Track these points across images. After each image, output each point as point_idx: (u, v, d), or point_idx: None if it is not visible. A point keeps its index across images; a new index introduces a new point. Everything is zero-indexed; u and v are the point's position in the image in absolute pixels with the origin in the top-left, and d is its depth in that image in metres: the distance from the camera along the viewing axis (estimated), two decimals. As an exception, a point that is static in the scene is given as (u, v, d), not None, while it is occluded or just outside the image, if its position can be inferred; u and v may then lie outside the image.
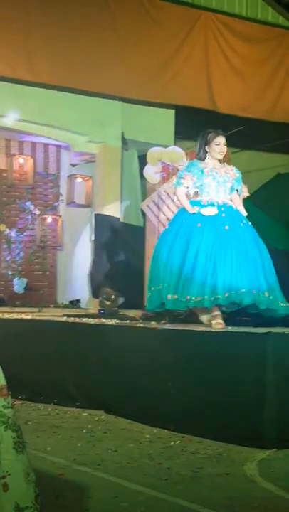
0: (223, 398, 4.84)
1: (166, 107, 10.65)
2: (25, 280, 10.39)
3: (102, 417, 5.65)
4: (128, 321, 6.85)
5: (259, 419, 4.62)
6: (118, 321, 6.79)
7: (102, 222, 10.33)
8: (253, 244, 5.61)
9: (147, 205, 10.19)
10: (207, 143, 5.75)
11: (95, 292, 10.06)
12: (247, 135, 10.65)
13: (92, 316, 7.89)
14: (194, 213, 5.65)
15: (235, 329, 5.37)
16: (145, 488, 3.61)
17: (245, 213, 5.78)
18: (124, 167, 10.60)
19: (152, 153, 9.56)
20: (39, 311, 9.05)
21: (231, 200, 5.79)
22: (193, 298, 5.43)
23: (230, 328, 5.40)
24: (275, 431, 4.62)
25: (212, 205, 5.68)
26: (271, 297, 5.47)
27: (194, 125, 10.57)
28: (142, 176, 10.36)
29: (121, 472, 3.95)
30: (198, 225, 5.62)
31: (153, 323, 6.44)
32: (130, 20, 10.06)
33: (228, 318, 5.72)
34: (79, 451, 4.45)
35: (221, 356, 4.96)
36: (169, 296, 5.54)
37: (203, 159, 5.77)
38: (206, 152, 5.76)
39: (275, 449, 4.48)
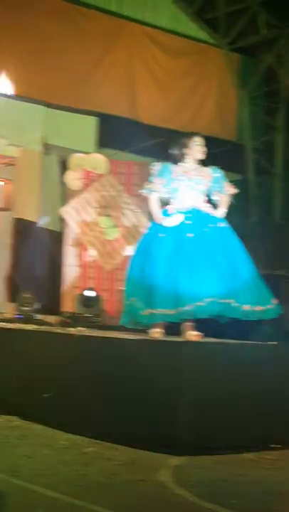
0: (137, 405, 4.90)
1: (89, 114, 10.70)
2: None
3: (17, 423, 5.61)
4: (45, 327, 6.83)
5: (173, 427, 4.69)
6: (35, 326, 6.77)
7: (21, 227, 10.28)
8: (220, 248, 5.44)
9: (67, 211, 10.21)
10: (185, 145, 5.59)
11: (12, 296, 9.99)
12: (167, 146, 10.81)
13: (9, 320, 7.84)
14: (160, 224, 5.48)
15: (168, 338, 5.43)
16: (61, 495, 3.61)
17: (220, 215, 5.65)
18: (45, 172, 10.57)
19: (74, 159, 9.61)
20: None
21: (212, 203, 5.65)
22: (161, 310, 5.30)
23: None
24: (189, 438, 4.70)
25: (180, 212, 5.51)
26: (236, 304, 5.30)
27: (117, 133, 10.70)
28: (62, 182, 10.37)
29: (37, 479, 3.93)
30: (161, 235, 5.46)
31: (70, 329, 6.46)
32: (55, 26, 10.09)
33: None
34: (-6, 458, 4.42)
35: (136, 363, 5.02)
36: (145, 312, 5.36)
37: (179, 162, 5.59)
38: (185, 155, 5.59)
39: (188, 456, 4.57)
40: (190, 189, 5.57)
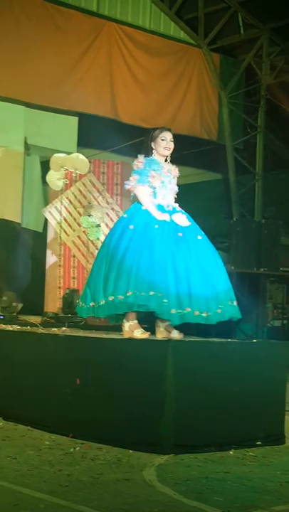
0: (121, 404, 4.92)
1: (70, 113, 10.71)
2: None
3: (0, 424, 5.61)
4: (28, 327, 6.82)
5: (156, 425, 4.71)
6: (18, 327, 6.76)
7: (3, 227, 10.25)
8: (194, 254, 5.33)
9: (49, 211, 10.19)
10: (152, 139, 5.48)
11: (-7, 297, 9.95)
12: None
13: (-9, 321, 7.81)
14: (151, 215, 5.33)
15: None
16: (46, 495, 3.62)
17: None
18: (26, 172, 10.57)
19: (56, 159, 9.59)
20: None
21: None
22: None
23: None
24: (172, 436, 4.73)
25: (161, 208, 5.43)
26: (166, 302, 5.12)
27: (97, 133, 10.71)
28: (44, 182, 10.36)
29: (21, 479, 3.94)
30: (156, 226, 5.32)
31: (54, 329, 6.46)
32: (34, 25, 10.05)
33: None
34: (-22, 459, 4.41)
35: (120, 363, 5.03)
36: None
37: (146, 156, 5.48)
38: (152, 149, 5.49)
39: (173, 454, 4.59)
40: (165, 186, 5.50)
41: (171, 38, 11.81)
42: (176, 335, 5.31)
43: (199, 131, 12.00)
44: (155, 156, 5.50)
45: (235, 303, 5.41)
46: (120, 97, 10.89)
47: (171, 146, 5.53)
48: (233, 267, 10.37)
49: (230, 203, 12.44)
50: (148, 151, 5.51)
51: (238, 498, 3.72)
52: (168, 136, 5.51)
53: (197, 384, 4.81)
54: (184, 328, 5.36)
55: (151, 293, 5.07)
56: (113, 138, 10.43)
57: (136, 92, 11.15)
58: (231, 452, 4.76)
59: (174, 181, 5.60)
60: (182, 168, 12.22)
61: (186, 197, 11.65)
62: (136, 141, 10.04)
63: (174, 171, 5.60)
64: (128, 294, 5.10)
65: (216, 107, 12.24)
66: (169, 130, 5.58)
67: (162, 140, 5.48)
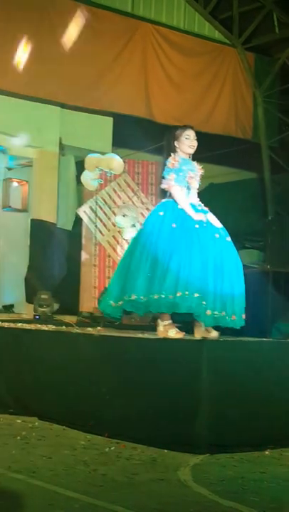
0: (156, 404, 4.91)
1: (105, 114, 10.73)
2: None
3: (36, 423, 5.63)
4: (64, 327, 6.85)
5: (192, 425, 4.70)
6: (53, 327, 6.79)
7: (38, 227, 10.33)
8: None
9: (84, 211, 10.23)
10: (176, 138, 5.45)
11: (30, 297, 10.03)
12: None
13: (27, 321, 7.86)
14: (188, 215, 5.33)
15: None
16: (81, 495, 3.61)
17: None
18: (61, 172, 10.61)
19: (90, 159, 9.62)
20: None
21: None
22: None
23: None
24: (208, 436, 4.71)
25: (194, 208, 5.41)
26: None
27: (132, 133, 10.70)
28: (78, 182, 10.40)
29: (56, 479, 3.94)
30: (196, 226, 5.32)
31: (89, 329, 6.47)
32: (68, 27, 10.09)
33: None
34: (13, 459, 4.42)
35: (155, 363, 5.02)
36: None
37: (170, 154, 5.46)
38: (176, 148, 5.45)
39: (208, 454, 4.57)
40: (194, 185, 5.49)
41: (206, 38, 11.78)
42: (215, 334, 5.29)
43: (234, 130, 11.95)
44: (180, 154, 5.46)
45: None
46: (155, 97, 10.89)
47: (196, 144, 5.48)
48: (269, 266, 10.28)
49: (266, 202, 12.34)
50: (171, 151, 5.46)
51: (274, 498, 3.68)
52: (191, 134, 5.47)
53: (232, 383, 4.78)
54: (220, 327, 5.35)
55: (196, 295, 5.08)
56: (148, 138, 10.41)
57: (170, 92, 11.14)
58: (267, 452, 4.72)
59: (198, 179, 5.56)
60: (217, 167, 12.28)
61: (221, 196, 11.67)
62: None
63: (200, 170, 5.56)
64: (178, 295, 5.08)
65: (251, 106, 12.17)
66: (192, 128, 5.52)
67: (186, 138, 5.44)
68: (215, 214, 5.56)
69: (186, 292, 5.09)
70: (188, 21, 11.67)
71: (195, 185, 5.48)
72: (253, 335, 5.95)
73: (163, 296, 5.14)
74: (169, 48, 11.12)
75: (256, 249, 11.92)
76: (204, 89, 11.57)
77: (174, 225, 5.32)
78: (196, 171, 5.48)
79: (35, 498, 3.59)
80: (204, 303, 5.11)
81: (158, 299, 5.17)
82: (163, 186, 5.51)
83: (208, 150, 11.77)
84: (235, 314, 5.26)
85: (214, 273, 5.20)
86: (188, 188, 5.46)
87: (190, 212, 5.34)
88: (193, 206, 5.42)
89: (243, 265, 5.50)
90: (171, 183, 5.41)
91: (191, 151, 5.48)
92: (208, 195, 11.20)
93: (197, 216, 5.33)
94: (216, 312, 5.16)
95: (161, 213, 5.47)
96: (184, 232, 5.28)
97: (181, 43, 11.30)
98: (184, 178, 5.41)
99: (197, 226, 5.30)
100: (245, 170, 13.35)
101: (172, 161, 5.44)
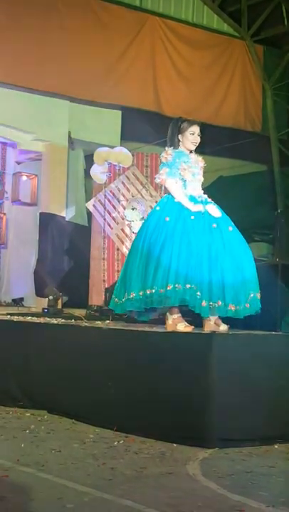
0: (165, 398, 4.91)
1: (113, 107, 10.73)
2: None
3: (45, 417, 5.65)
4: (73, 320, 6.86)
5: (200, 419, 4.70)
6: (63, 320, 6.80)
7: (48, 221, 10.34)
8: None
9: (93, 205, 10.24)
10: (181, 131, 5.38)
11: (39, 291, 10.05)
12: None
13: (36, 314, 7.88)
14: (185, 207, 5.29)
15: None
16: (90, 489, 3.62)
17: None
18: (71, 166, 10.63)
19: (99, 153, 9.63)
20: (-19, 310, 8.98)
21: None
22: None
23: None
24: (216, 430, 4.70)
25: (193, 199, 5.38)
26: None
27: (140, 126, 10.69)
28: (88, 176, 10.40)
29: (65, 473, 3.95)
30: (192, 217, 5.28)
31: (98, 322, 6.48)
32: (78, 20, 10.11)
33: None
34: (22, 452, 4.43)
35: (164, 356, 5.02)
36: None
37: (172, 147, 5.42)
38: (179, 141, 5.40)
39: (217, 448, 4.57)
40: (194, 178, 5.44)
41: (214, 31, 11.75)
42: (224, 328, 5.27)
43: (243, 123, 11.92)
44: (181, 148, 5.43)
45: (258, 295, 5.32)
46: (163, 90, 10.87)
47: (198, 140, 5.42)
48: (278, 259, 10.25)
49: (275, 195, 12.31)
50: (174, 143, 5.42)
51: (283, 492, 3.68)
52: (196, 130, 5.41)
53: (241, 377, 4.77)
54: (230, 320, 5.33)
55: (188, 286, 5.05)
56: (156, 131, 10.40)
57: (179, 85, 11.12)
58: (276, 446, 4.71)
59: (201, 172, 5.52)
60: (226, 160, 12.24)
61: (230, 189, 11.63)
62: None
63: (201, 161, 5.50)
64: (168, 288, 5.07)
65: (260, 99, 12.14)
66: (198, 124, 5.46)
67: (191, 134, 5.38)
68: (223, 207, 5.51)
69: (177, 285, 5.06)
70: (196, 14, 11.64)
71: (189, 177, 5.39)
72: (263, 328, 5.94)
73: (154, 290, 5.13)
74: (177, 41, 11.10)
75: (265, 242, 11.90)
76: (213, 82, 11.55)
77: (167, 219, 5.30)
78: (189, 163, 5.41)
79: (44, 492, 3.59)
80: (199, 294, 5.07)
81: (151, 294, 5.16)
82: (157, 181, 5.52)
83: (217, 143, 11.80)
84: (239, 304, 5.20)
85: (209, 263, 5.14)
86: (184, 180, 5.42)
87: (187, 204, 5.31)
88: (192, 198, 5.38)
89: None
90: (163, 177, 5.39)
91: (193, 147, 5.44)
92: (217, 188, 11.25)
93: (195, 207, 5.30)
94: (211, 303, 5.11)
95: (158, 208, 5.47)
96: (178, 224, 5.24)
97: (189, 36, 11.27)
98: (178, 171, 5.38)
99: (193, 217, 5.26)
100: (254, 163, 13.32)
101: (165, 155, 5.42)
